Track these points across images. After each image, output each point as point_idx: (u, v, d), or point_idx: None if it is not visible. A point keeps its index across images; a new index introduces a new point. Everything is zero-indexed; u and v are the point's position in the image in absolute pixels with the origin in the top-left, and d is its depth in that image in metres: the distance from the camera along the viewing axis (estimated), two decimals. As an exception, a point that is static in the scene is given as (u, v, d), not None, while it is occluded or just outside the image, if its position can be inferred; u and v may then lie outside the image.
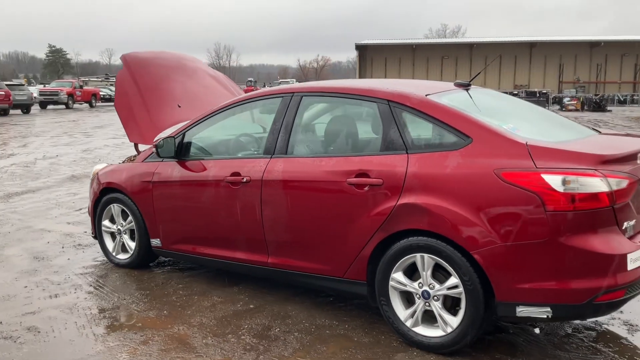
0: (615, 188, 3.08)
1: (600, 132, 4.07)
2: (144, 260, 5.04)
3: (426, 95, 3.66)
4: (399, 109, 3.66)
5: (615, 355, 3.44)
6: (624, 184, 3.13)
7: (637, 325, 3.87)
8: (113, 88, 34.61)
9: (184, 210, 4.58)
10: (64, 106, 36.34)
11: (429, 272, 3.44)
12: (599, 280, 3.04)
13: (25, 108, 31.45)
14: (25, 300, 4.38)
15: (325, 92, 4.17)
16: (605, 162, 3.12)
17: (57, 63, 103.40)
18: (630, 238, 3.24)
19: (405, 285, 3.54)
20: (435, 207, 3.34)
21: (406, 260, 3.51)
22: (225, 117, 4.55)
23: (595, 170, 3.06)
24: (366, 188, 3.60)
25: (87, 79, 58.23)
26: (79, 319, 4.01)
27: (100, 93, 42.90)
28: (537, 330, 3.78)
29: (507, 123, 3.48)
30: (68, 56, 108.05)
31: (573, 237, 3.05)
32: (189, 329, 3.84)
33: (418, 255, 3.45)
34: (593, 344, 3.60)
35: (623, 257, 3.08)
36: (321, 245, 3.85)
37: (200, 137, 4.64)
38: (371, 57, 60.15)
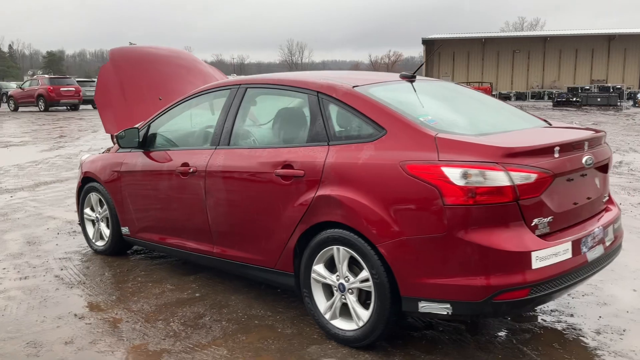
0: (519, 182, 2.93)
1: (550, 124, 3.89)
2: (117, 248, 5.23)
3: (353, 87, 3.61)
4: (327, 100, 3.63)
5: (538, 359, 3.28)
6: (532, 178, 2.97)
7: (580, 330, 3.66)
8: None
9: (145, 200, 4.72)
10: (133, 102, 37.82)
11: (345, 265, 3.41)
12: (498, 278, 2.91)
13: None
14: (-3, 281, 4.66)
15: (266, 84, 4.19)
16: (512, 155, 2.97)
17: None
18: (545, 236, 3.08)
19: (325, 277, 3.52)
20: (347, 200, 3.30)
21: (325, 252, 3.48)
22: (184, 109, 4.65)
23: (497, 163, 2.93)
24: (291, 180, 3.60)
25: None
26: (33, 300, 4.23)
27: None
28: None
29: (427, 115, 3.37)
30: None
31: (472, 232, 2.94)
32: (126, 314, 3.96)
33: (335, 247, 3.42)
34: (520, 346, 3.44)
35: (526, 255, 2.93)
36: (255, 236, 3.88)
37: (162, 128, 4.77)
38: (439, 51, 58.94)
